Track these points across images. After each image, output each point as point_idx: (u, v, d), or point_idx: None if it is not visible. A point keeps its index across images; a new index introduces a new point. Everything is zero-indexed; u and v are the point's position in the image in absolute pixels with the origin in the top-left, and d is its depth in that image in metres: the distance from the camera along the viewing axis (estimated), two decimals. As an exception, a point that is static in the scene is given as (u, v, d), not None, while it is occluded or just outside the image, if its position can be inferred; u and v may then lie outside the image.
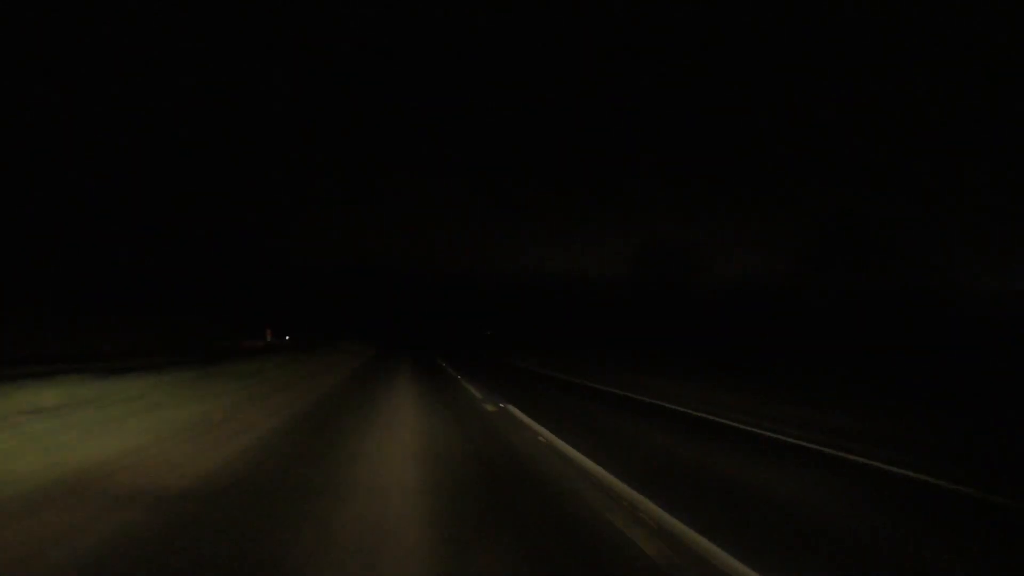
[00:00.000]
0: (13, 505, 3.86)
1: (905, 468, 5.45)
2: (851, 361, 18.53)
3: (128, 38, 41.35)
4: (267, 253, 60.00)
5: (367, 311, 77.48)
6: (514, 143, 64.80)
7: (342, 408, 9.67)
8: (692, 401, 10.82)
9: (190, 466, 5.03)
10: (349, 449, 6.11)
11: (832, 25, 30.83)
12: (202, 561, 3.10)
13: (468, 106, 59.03)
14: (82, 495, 4.12)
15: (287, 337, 36.59)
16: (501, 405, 10.05)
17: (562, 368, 21.91)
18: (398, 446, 6.31)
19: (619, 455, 5.97)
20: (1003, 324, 18.69)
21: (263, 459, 5.56)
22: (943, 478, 5.08)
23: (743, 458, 6.13)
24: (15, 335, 21.99)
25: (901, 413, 9.41)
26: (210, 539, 3.40)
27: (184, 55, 41.45)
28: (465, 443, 6.65)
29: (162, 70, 41.17)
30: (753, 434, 7.46)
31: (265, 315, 43.25)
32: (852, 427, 7.91)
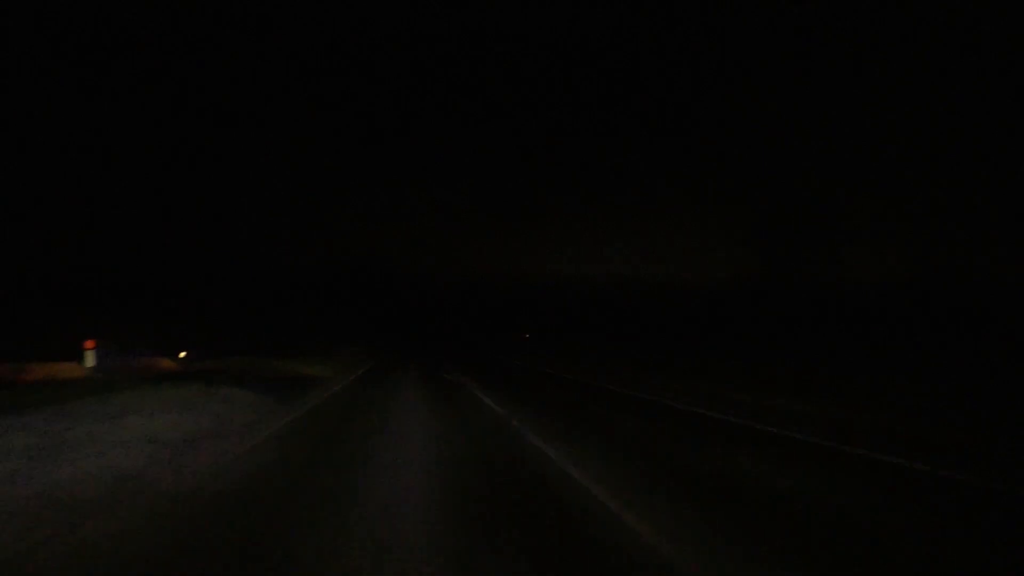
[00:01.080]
0: None
1: None
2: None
3: (129, 37, 41.03)
4: (261, 259, 54.73)
5: (375, 318, 69.08)
6: (521, 143, 62.59)
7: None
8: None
9: None
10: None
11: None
12: None
13: (469, 106, 57.50)
14: None
15: (182, 355, 24.05)
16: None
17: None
18: None
19: None
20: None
21: None
22: None
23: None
24: None
25: None
26: None
27: (184, 55, 40.67)
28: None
29: (162, 70, 40.07)
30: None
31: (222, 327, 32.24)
32: None
